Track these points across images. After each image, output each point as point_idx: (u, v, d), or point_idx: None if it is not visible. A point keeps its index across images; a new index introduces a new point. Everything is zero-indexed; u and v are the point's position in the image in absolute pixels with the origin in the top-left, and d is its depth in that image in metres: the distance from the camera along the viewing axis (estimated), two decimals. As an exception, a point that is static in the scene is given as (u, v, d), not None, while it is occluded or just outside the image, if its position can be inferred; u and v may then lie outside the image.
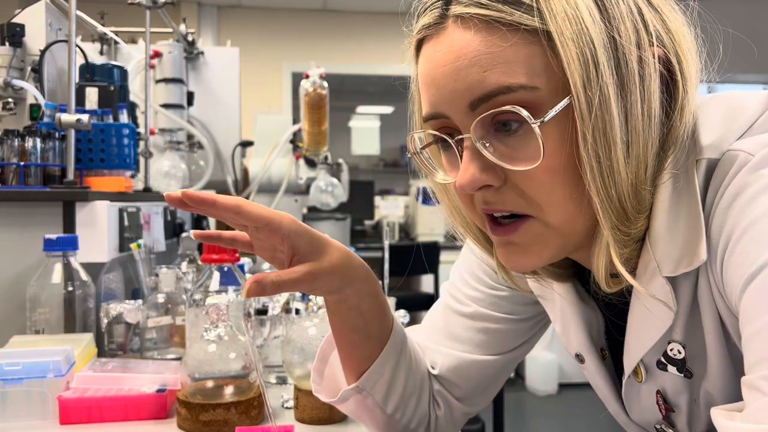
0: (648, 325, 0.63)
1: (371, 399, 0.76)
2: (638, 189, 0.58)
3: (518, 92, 0.56)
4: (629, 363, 0.68)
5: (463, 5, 0.58)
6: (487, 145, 0.58)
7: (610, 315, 0.71)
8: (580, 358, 0.74)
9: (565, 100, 0.56)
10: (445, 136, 0.62)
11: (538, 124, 0.55)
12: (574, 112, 0.55)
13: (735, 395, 0.59)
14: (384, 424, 0.79)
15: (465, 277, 0.84)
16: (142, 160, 1.96)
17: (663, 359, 0.65)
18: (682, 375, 0.64)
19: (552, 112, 0.55)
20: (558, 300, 0.74)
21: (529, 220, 0.60)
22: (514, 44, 0.56)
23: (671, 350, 0.64)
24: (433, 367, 0.83)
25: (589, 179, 0.56)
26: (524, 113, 0.56)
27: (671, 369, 0.65)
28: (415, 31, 0.63)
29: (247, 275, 1.58)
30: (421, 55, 0.63)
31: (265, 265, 1.80)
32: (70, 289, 1.21)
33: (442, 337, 0.83)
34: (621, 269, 0.58)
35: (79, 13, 1.75)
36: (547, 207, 0.59)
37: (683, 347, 0.63)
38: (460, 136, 0.60)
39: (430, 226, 4.97)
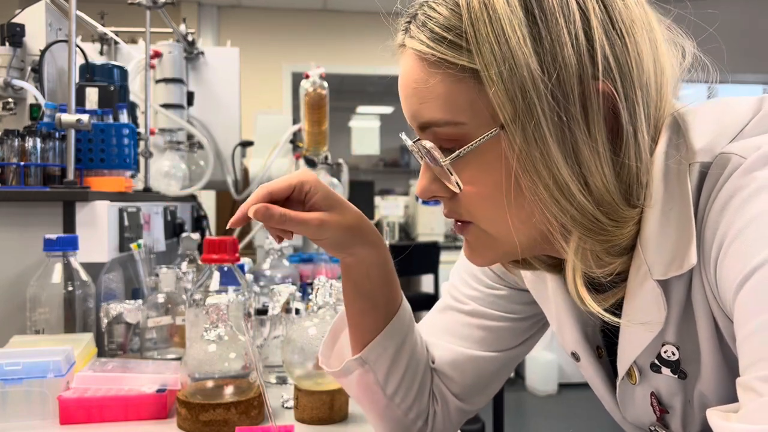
0: (639, 327, 0.63)
1: (372, 375, 0.78)
2: (609, 208, 0.58)
3: (444, 127, 0.60)
4: (622, 365, 0.68)
5: (411, 38, 0.62)
6: (434, 161, 0.63)
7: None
8: (575, 357, 0.75)
9: (483, 136, 0.58)
10: (413, 145, 0.66)
11: (447, 162, 0.60)
12: (506, 144, 0.58)
13: (729, 396, 0.59)
14: (383, 408, 0.80)
15: (464, 277, 0.85)
16: (142, 160, 1.96)
17: (657, 361, 0.65)
18: (677, 376, 0.64)
19: (464, 149, 0.60)
20: (552, 298, 0.74)
21: (470, 225, 0.65)
22: (443, 80, 0.59)
23: (665, 352, 0.64)
24: (432, 362, 0.84)
25: (532, 206, 0.59)
26: (435, 154, 0.61)
27: (665, 371, 0.65)
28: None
29: (248, 275, 1.58)
30: None
31: (266, 266, 1.80)
32: (70, 289, 1.21)
33: (441, 333, 0.84)
34: (583, 291, 0.59)
35: (79, 13, 1.75)
36: (482, 220, 0.64)
37: (677, 349, 0.63)
38: (417, 151, 0.65)
39: (430, 226, 4.97)
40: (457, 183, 0.62)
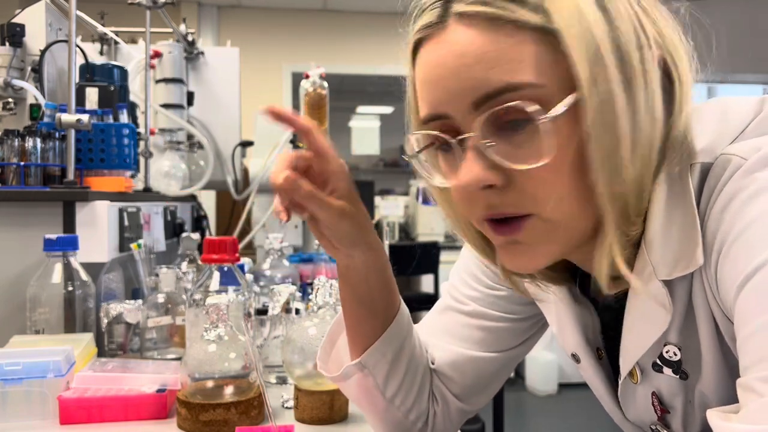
0: (644, 327, 0.63)
1: (372, 380, 0.77)
2: (642, 188, 0.58)
3: (524, 90, 0.55)
4: (625, 365, 0.68)
5: (466, 3, 0.57)
6: (492, 144, 0.58)
7: (606, 317, 0.72)
8: (576, 358, 0.75)
9: (573, 95, 0.55)
10: (446, 137, 0.60)
11: (548, 119, 0.55)
12: (578, 110, 0.55)
13: (729, 397, 0.59)
14: (383, 410, 0.80)
15: (464, 277, 0.84)
16: (142, 160, 1.96)
17: (659, 361, 0.65)
18: (678, 377, 0.65)
19: (561, 107, 0.55)
20: (553, 300, 0.74)
21: (531, 218, 0.59)
22: (519, 42, 0.55)
23: (667, 352, 0.64)
24: (432, 363, 0.84)
25: (595, 176, 0.56)
26: (534, 108, 0.55)
27: (667, 371, 0.65)
28: (413, 32, 0.62)
29: (248, 275, 1.58)
30: (419, 56, 0.62)
31: (266, 266, 1.80)
32: (70, 289, 1.21)
33: (441, 334, 0.84)
34: (624, 269, 0.58)
35: (79, 13, 1.75)
36: (548, 204, 0.58)
37: (679, 349, 0.63)
38: (463, 136, 0.59)
39: (430, 226, 4.97)
40: (539, 156, 0.55)
